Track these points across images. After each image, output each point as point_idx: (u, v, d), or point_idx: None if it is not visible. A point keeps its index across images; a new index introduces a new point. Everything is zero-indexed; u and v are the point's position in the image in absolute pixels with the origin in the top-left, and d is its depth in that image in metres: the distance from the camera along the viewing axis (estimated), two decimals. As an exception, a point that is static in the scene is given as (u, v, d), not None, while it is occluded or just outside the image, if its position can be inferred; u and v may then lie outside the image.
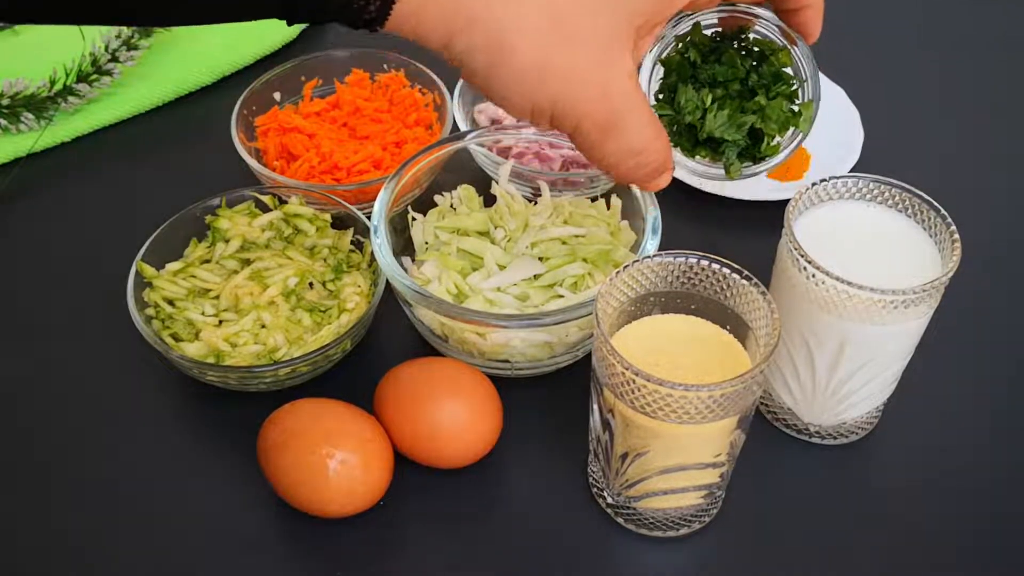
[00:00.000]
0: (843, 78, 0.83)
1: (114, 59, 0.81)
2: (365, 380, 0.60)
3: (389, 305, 0.64)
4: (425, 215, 0.68)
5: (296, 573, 0.56)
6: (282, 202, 0.68)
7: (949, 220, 0.54)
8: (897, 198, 0.56)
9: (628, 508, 0.56)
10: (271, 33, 0.88)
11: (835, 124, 0.80)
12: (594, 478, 0.58)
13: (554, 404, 0.63)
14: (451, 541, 0.57)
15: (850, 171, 0.76)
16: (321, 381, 0.63)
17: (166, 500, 0.59)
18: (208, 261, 0.66)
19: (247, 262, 0.65)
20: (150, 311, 0.63)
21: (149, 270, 0.64)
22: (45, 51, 0.84)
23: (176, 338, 0.62)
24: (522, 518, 0.58)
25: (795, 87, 0.53)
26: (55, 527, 0.57)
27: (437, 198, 0.69)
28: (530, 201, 0.69)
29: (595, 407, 0.53)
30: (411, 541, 0.57)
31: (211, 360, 0.60)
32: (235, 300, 0.63)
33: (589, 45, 0.43)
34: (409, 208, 0.67)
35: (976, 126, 0.84)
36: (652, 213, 0.62)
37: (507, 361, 0.62)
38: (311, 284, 0.65)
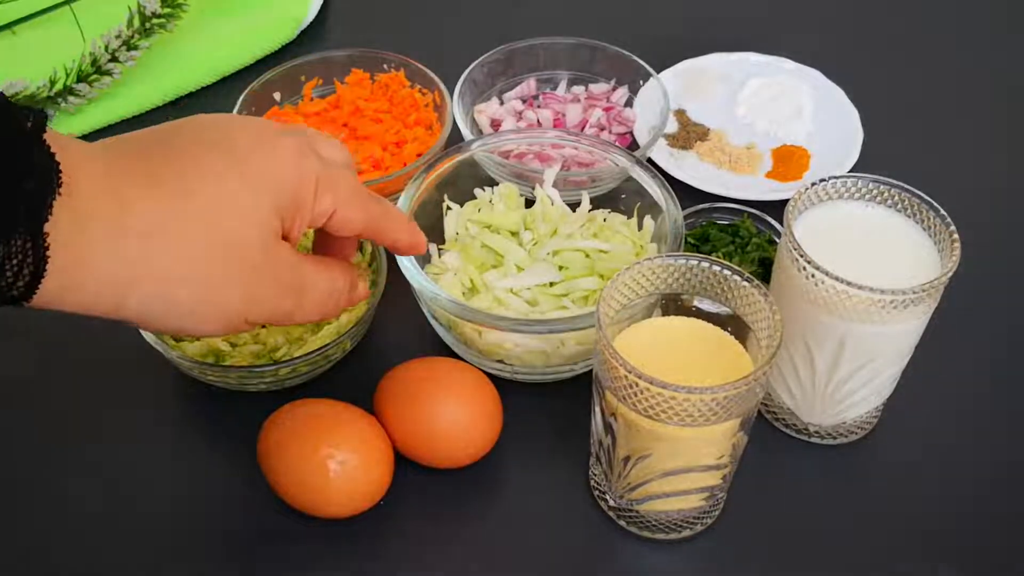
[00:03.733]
0: (843, 78, 0.83)
1: (114, 59, 0.81)
2: (365, 380, 0.60)
3: (389, 305, 0.64)
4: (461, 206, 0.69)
5: (296, 573, 0.56)
6: None
7: (949, 220, 0.54)
8: (897, 198, 0.56)
9: (630, 511, 0.56)
10: (271, 33, 0.88)
11: (835, 124, 0.80)
12: (596, 481, 0.58)
13: (555, 406, 0.63)
14: (451, 541, 0.57)
15: (849, 171, 0.76)
16: (321, 381, 0.63)
17: (166, 500, 0.59)
18: None
19: None
20: None
21: None
22: (45, 51, 0.84)
23: (176, 338, 0.62)
24: (523, 519, 0.58)
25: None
26: (54, 527, 0.57)
27: (477, 191, 0.70)
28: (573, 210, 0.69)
29: (597, 410, 0.53)
30: (411, 541, 0.57)
31: (211, 360, 0.60)
32: None
33: (245, 258, 0.44)
34: (445, 197, 0.68)
35: (976, 126, 0.84)
36: (676, 235, 0.62)
37: (502, 361, 0.62)
38: None
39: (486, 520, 0.58)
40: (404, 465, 0.58)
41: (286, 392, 0.62)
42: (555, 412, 0.62)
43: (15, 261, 0.37)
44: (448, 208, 0.68)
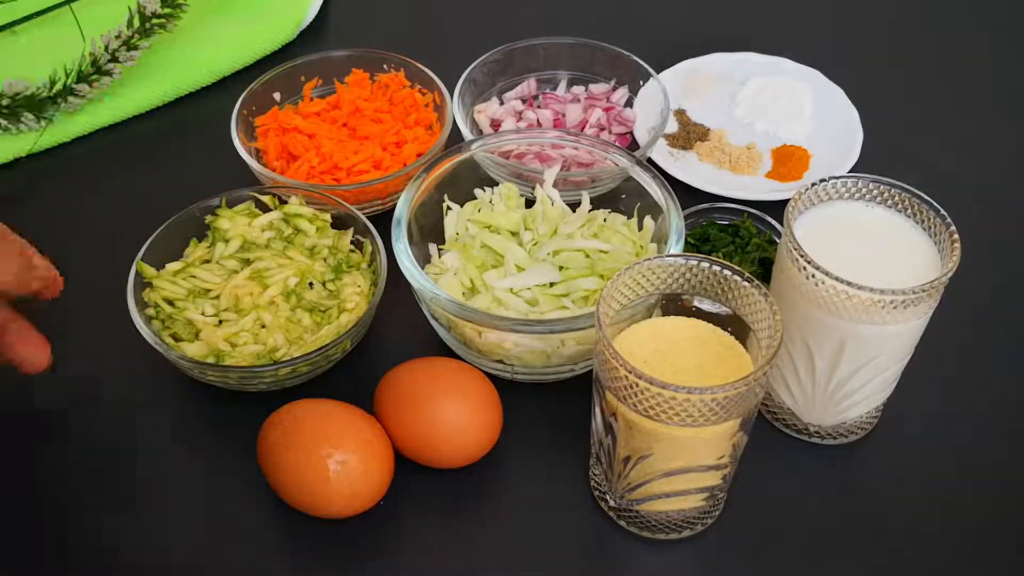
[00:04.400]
0: (843, 78, 0.83)
1: (114, 59, 0.81)
2: (365, 380, 0.60)
3: (389, 305, 0.64)
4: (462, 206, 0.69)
5: (296, 573, 0.56)
6: (282, 202, 0.68)
7: (949, 220, 0.54)
8: (897, 198, 0.56)
9: (630, 511, 0.56)
10: (271, 33, 0.88)
11: (835, 124, 0.80)
12: (596, 481, 0.58)
13: (555, 406, 0.63)
14: (451, 541, 0.57)
15: (849, 171, 0.76)
16: (321, 381, 0.63)
17: (166, 500, 0.59)
18: (208, 261, 0.66)
19: (247, 262, 0.65)
20: (150, 311, 0.63)
21: (149, 270, 0.64)
22: (45, 51, 0.84)
23: (176, 338, 0.62)
24: (523, 519, 0.58)
25: None
26: (54, 527, 0.57)
27: (477, 191, 0.70)
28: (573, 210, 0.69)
29: (597, 410, 0.53)
30: (411, 541, 0.57)
31: (211, 360, 0.61)
32: (235, 300, 0.63)
33: None
34: (446, 197, 0.68)
35: (976, 126, 0.84)
36: (677, 235, 0.62)
37: (502, 362, 0.62)
38: (311, 284, 0.65)
39: (486, 520, 0.58)
40: (404, 465, 0.58)
41: (286, 392, 0.62)
42: (555, 412, 0.62)
43: None
44: (448, 208, 0.68)
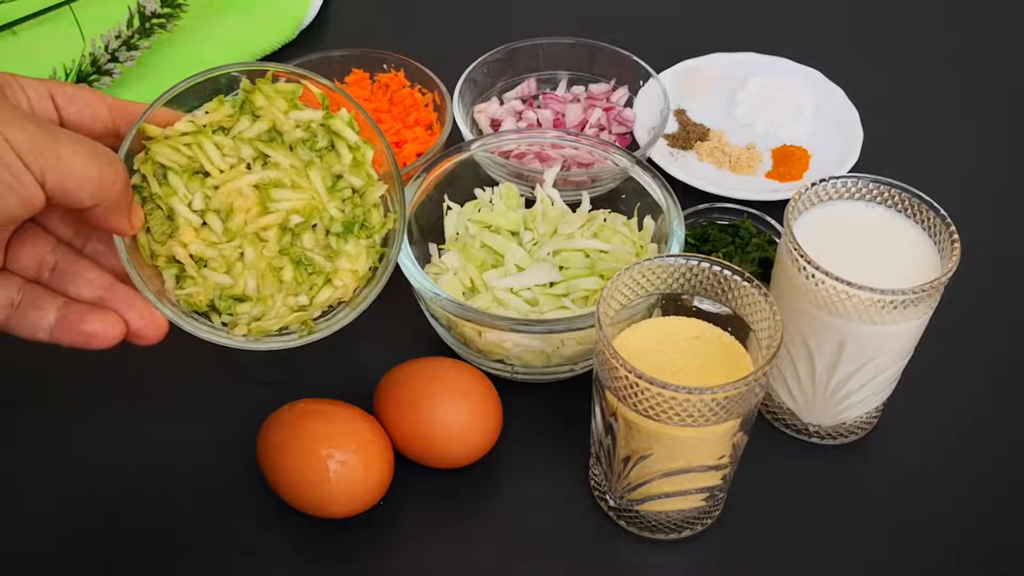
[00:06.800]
0: (843, 78, 0.83)
1: (114, 59, 0.81)
2: (365, 380, 0.60)
3: (390, 304, 0.64)
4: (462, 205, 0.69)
5: (296, 573, 0.56)
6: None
7: (948, 220, 0.54)
8: (897, 198, 0.56)
9: (630, 511, 0.56)
10: (270, 33, 0.88)
11: (835, 124, 0.80)
12: (596, 481, 0.58)
13: (555, 406, 0.63)
14: (451, 541, 0.57)
15: (849, 171, 0.76)
16: (321, 381, 0.63)
17: (166, 500, 0.59)
18: (225, 131, 0.53)
19: (264, 160, 0.53)
20: (135, 179, 0.51)
21: (154, 129, 0.52)
22: (45, 51, 0.84)
23: (148, 232, 0.52)
24: (523, 519, 0.58)
25: None
26: (51, 526, 0.57)
27: (477, 191, 0.70)
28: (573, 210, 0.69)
29: (597, 410, 0.53)
30: (411, 541, 0.57)
31: (173, 271, 0.52)
32: (229, 206, 0.52)
33: None
34: (446, 196, 0.68)
35: (976, 126, 0.84)
36: (676, 235, 0.62)
37: (502, 361, 0.62)
38: (314, 225, 0.54)
39: (486, 520, 0.58)
40: (404, 465, 0.58)
41: (286, 392, 0.62)
42: (555, 412, 0.62)
43: None
44: (448, 208, 0.68)
